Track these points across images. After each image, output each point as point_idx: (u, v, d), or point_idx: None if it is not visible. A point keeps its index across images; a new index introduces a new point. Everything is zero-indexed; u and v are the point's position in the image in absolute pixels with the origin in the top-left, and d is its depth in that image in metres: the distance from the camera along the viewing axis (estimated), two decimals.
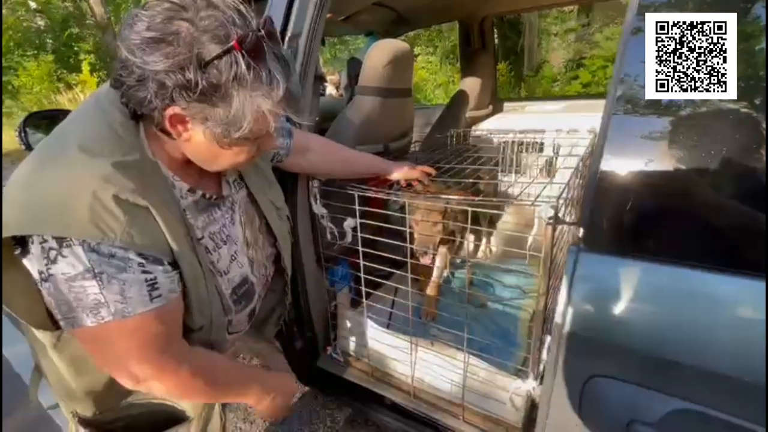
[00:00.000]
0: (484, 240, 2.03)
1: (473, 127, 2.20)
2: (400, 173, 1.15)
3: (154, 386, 0.66)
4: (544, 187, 0.97)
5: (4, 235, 0.54)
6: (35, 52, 9.94)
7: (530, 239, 0.84)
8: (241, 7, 0.55)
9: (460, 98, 2.18)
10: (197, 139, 0.61)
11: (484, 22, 2.37)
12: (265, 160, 0.91)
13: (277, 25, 1.15)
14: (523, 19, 5.71)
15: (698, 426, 0.53)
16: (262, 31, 0.55)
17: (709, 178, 0.55)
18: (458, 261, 1.95)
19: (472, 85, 2.26)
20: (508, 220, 2.12)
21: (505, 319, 1.55)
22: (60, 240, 0.55)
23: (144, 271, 0.59)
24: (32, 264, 0.57)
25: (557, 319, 0.61)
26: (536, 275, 1.72)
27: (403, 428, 1.31)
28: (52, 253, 0.55)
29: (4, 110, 9.11)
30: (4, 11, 10.35)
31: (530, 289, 1.72)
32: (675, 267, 0.56)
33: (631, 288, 0.57)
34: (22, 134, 1.14)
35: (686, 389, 0.53)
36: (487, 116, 2.40)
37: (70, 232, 0.54)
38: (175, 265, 0.64)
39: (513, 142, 1.82)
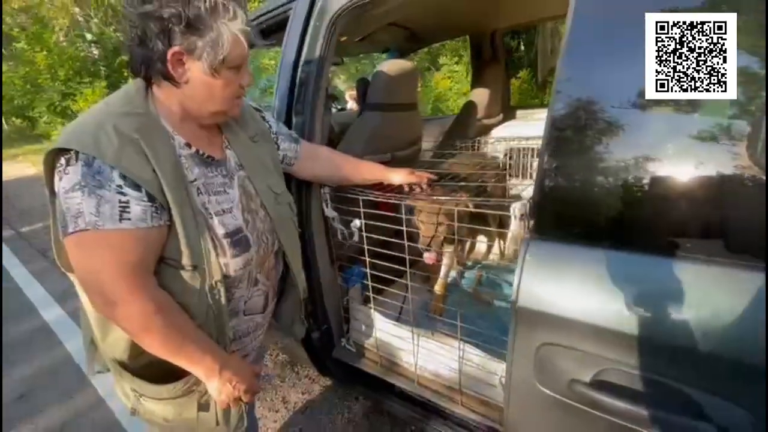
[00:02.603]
0: (496, 241, 2.11)
1: (484, 135, 2.30)
2: (400, 178, 1.27)
3: (119, 312, 0.72)
4: (527, 188, 1.06)
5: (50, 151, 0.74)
6: (90, 79, 10.89)
7: (509, 234, 0.93)
8: None
9: (469, 108, 2.29)
10: (194, 76, 0.77)
11: (495, 35, 2.48)
12: (267, 154, 1.02)
13: (293, 53, 1.34)
14: (538, 27, 5.71)
15: (625, 382, 0.62)
16: None
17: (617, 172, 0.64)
18: (468, 263, 2.04)
19: (482, 94, 2.36)
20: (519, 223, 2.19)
21: (508, 315, 1.62)
22: (68, 161, 0.71)
23: (120, 192, 0.71)
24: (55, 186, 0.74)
25: (513, 296, 0.71)
26: None
27: (411, 415, 1.42)
28: (61, 173, 0.72)
29: None
30: (64, 44, 11.46)
31: None
32: (594, 249, 0.67)
33: (565, 268, 0.67)
34: None
35: (614, 352, 0.63)
36: (498, 124, 2.49)
37: (76, 146, 0.70)
38: (152, 198, 0.73)
39: (519, 148, 1.91)
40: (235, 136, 0.95)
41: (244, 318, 0.96)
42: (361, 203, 1.23)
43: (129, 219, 0.71)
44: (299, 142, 1.18)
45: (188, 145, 0.83)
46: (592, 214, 0.66)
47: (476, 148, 2.10)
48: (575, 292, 0.66)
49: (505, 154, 2.04)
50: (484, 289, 1.86)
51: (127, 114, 0.76)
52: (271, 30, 1.50)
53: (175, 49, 0.73)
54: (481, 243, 2.12)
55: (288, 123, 1.33)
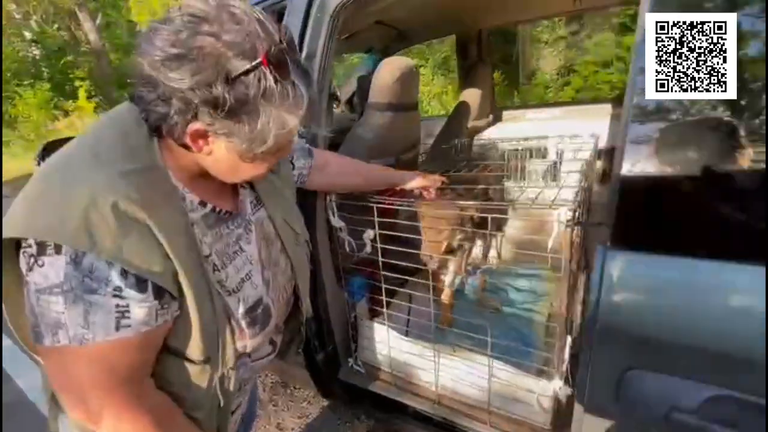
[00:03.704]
0: (493, 245, 2.07)
1: (476, 137, 2.26)
2: (414, 183, 1.19)
3: (105, 427, 0.57)
4: (559, 192, 1.01)
5: (8, 236, 0.52)
6: (32, 81, 10.03)
7: (550, 242, 0.87)
8: (262, 17, 0.53)
9: (461, 109, 2.23)
10: (218, 154, 0.59)
11: (481, 35, 2.45)
12: (286, 183, 0.88)
13: None
14: (517, 30, 5.88)
15: (733, 409, 0.56)
16: (284, 43, 0.54)
17: (727, 176, 0.58)
18: (470, 268, 1.98)
19: (472, 95, 2.31)
20: (516, 225, 2.16)
21: (519, 322, 1.57)
22: (42, 247, 0.51)
23: (116, 296, 0.53)
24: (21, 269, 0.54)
25: (589, 315, 0.64)
26: (547, 277, 1.75)
27: None
28: (31, 261, 0.52)
29: (3, 139, 9.15)
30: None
31: (543, 292, 1.75)
32: (696, 260, 0.59)
33: (659, 282, 0.60)
34: (41, 162, 1.17)
35: (721, 376, 0.56)
36: (489, 125, 2.45)
37: (61, 238, 0.51)
38: (160, 292, 0.57)
39: (517, 149, 1.87)
40: None
41: (251, 365, 0.82)
42: (375, 211, 1.12)
43: (129, 326, 0.55)
44: (312, 154, 1.03)
45: (202, 203, 0.66)
46: (696, 220, 0.59)
47: (472, 150, 2.04)
48: (676, 310, 0.59)
49: (501, 156, 1.99)
50: (488, 294, 1.80)
51: (127, 175, 0.55)
52: None
53: (198, 126, 0.54)
54: (478, 246, 2.07)
55: None
